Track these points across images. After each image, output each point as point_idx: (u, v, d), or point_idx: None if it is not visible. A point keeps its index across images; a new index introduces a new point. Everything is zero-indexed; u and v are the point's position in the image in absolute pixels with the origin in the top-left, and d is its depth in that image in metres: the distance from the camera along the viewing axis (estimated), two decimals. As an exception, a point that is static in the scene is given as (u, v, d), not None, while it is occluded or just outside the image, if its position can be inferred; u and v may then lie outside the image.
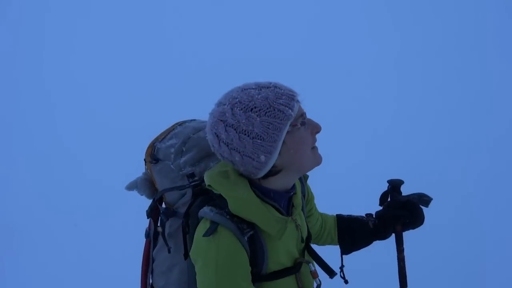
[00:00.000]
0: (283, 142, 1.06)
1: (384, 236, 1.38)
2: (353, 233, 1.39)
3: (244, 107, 1.05)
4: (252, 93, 1.06)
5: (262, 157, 1.05)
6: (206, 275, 1.06)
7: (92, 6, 6.03)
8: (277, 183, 1.12)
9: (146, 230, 1.41)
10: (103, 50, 5.67)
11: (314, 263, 1.25)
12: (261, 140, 1.04)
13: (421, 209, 1.33)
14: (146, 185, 1.36)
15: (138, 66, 5.50)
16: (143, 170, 1.40)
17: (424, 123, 4.55)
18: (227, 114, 1.06)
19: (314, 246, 1.30)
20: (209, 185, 1.12)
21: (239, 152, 1.06)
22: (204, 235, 1.05)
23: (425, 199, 1.31)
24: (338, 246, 1.47)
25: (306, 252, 1.25)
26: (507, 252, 3.14)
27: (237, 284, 1.05)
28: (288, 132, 1.06)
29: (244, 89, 1.08)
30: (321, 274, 1.25)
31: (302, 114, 1.09)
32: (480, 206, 3.63)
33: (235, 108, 1.05)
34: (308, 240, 1.26)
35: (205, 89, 4.81)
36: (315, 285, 1.23)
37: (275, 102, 1.04)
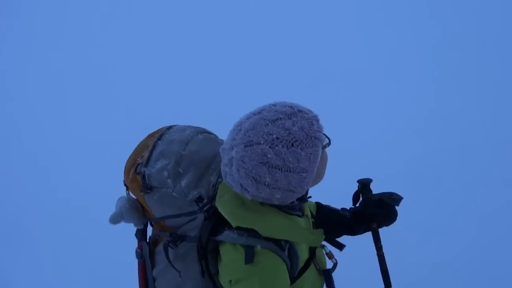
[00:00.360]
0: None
1: (355, 232, 1.41)
2: (328, 223, 1.37)
3: (286, 144, 1.00)
4: (286, 125, 1.01)
5: (305, 187, 1.06)
6: None
7: (96, 7, 6.06)
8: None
9: (136, 251, 1.36)
10: (98, 49, 5.69)
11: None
12: (306, 173, 1.03)
13: (394, 207, 1.36)
14: (133, 213, 1.25)
15: (134, 66, 5.52)
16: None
17: (424, 123, 4.56)
18: (269, 155, 0.99)
19: None
20: (238, 227, 1.08)
21: (281, 190, 1.03)
22: (246, 263, 1.03)
23: (395, 198, 1.34)
24: None
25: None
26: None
27: None
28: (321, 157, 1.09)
29: (274, 121, 1.02)
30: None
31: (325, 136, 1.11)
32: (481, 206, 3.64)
33: (276, 146, 0.99)
34: (316, 227, 1.31)
35: (197, 89, 4.86)
36: (331, 264, 1.28)
37: (310, 130, 1.03)
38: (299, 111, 1.05)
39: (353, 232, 1.41)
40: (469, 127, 4.43)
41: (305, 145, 1.01)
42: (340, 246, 1.34)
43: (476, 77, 4.96)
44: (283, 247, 1.09)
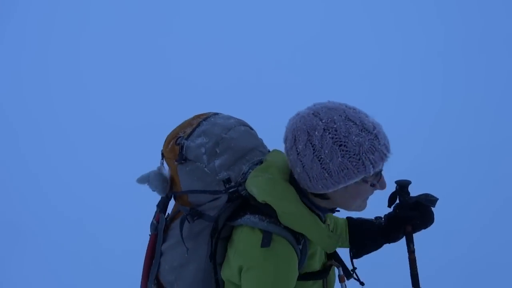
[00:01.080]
0: (346, 186, 1.05)
1: (395, 238, 1.37)
2: (363, 236, 1.38)
3: (336, 139, 1.01)
4: (352, 130, 1.01)
5: (320, 187, 1.06)
6: (261, 283, 1.06)
7: (96, 8, 6.04)
8: (322, 203, 1.14)
9: (152, 223, 1.38)
10: (106, 51, 5.67)
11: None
12: (329, 175, 1.03)
13: (431, 209, 1.32)
14: (159, 180, 1.29)
15: (140, 67, 5.50)
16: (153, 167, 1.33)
17: (426, 123, 4.54)
18: (316, 133, 1.03)
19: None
20: (263, 200, 1.09)
21: (304, 167, 1.05)
22: (262, 246, 1.04)
23: (431, 199, 1.30)
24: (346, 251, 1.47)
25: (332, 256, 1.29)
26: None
27: None
28: (356, 182, 1.05)
29: (348, 119, 1.03)
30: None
31: (378, 173, 1.07)
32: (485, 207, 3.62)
33: (327, 134, 1.02)
34: None
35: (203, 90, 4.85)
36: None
37: (366, 154, 1.00)
38: (376, 136, 1.03)
39: (391, 239, 1.37)
40: (475, 127, 4.43)
41: (348, 156, 1.01)
42: (348, 275, 1.28)
43: (482, 77, 4.94)
44: (299, 241, 1.10)
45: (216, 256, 1.16)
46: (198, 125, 1.26)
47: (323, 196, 1.10)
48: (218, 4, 5.97)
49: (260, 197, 1.09)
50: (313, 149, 1.03)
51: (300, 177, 1.08)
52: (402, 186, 1.34)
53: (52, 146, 4.82)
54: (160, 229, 1.35)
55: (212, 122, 1.27)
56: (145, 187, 1.33)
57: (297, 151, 1.05)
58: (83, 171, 4.47)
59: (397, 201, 1.36)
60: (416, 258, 1.37)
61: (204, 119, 1.28)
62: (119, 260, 3.27)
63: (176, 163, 1.24)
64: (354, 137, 1.01)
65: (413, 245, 1.36)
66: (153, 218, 1.39)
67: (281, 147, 1.17)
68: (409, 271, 1.38)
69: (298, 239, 1.09)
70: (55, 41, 5.84)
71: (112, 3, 6.10)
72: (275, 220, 1.08)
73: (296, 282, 1.13)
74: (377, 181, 1.08)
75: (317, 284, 1.21)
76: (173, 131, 1.30)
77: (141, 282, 1.41)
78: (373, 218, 1.43)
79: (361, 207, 1.14)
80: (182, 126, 1.30)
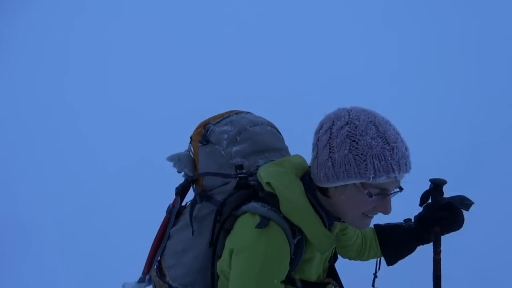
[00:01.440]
0: (345, 185, 1.05)
1: (427, 240, 1.35)
2: (395, 241, 1.37)
3: (351, 134, 1.02)
4: (370, 132, 1.01)
5: (321, 175, 1.06)
6: (249, 266, 1.05)
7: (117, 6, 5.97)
8: (330, 206, 1.12)
9: (169, 206, 1.42)
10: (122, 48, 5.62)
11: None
12: (331, 164, 1.04)
13: (462, 212, 1.29)
14: (188, 160, 1.34)
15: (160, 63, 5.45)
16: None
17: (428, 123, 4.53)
18: (338, 123, 1.05)
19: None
20: (266, 182, 1.11)
21: (317, 152, 1.08)
22: (257, 227, 1.04)
23: (466, 203, 1.27)
24: (365, 262, 1.48)
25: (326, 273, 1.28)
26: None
27: (274, 283, 1.05)
28: (355, 185, 1.04)
29: (372, 123, 1.03)
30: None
31: (384, 189, 1.04)
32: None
33: (347, 126, 1.03)
34: (332, 261, 1.28)
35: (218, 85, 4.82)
36: None
37: (372, 158, 1.00)
38: (392, 149, 1.01)
39: (423, 240, 1.35)
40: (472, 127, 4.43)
41: (355, 154, 1.01)
42: None
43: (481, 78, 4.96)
44: (295, 234, 1.09)
45: (217, 248, 1.16)
46: (229, 116, 1.33)
47: (326, 193, 1.10)
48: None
49: (265, 179, 1.11)
50: (330, 136, 1.05)
51: (313, 164, 1.10)
52: (437, 185, 1.31)
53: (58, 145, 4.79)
54: (174, 212, 1.38)
55: (242, 116, 1.33)
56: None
57: (318, 135, 1.09)
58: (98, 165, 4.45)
59: (429, 200, 1.33)
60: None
61: (236, 113, 1.35)
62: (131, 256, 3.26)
63: (199, 144, 1.29)
64: (368, 138, 1.01)
65: (440, 246, 1.32)
66: (171, 202, 1.43)
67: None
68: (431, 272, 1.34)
69: (294, 232, 1.08)
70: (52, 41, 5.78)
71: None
72: (276, 209, 1.09)
73: (287, 287, 1.12)
74: (380, 199, 1.05)
75: None
76: (205, 120, 1.36)
77: (146, 262, 1.43)
78: (402, 221, 1.41)
79: (360, 223, 1.11)
80: (215, 117, 1.35)
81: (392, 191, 1.06)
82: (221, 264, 1.15)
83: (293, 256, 1.09)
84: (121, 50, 5.51)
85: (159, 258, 1.38)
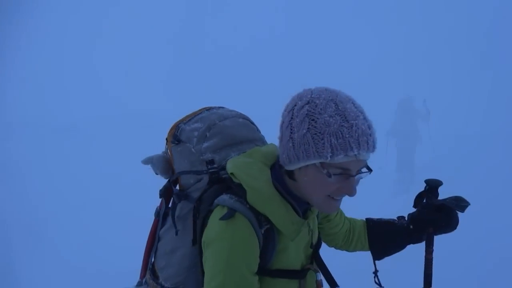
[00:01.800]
0: (307, 166, 1.03)
1: (418, 240, 1.33)
2: (384, 237, 1.35)
3: (310, 112, 1.01)
4: (329, 110, 0.99)
5: (284, 156, 1.06)
6: (217, 261, 1.04)
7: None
8: (297, 191, 1.10)
9: (156, 209, 1.41)
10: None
11: (321, 273, 1.23)
12: (292, 145, 1.03)
13: (456, 214, 1.26)
14: (162, 162, 1.35)
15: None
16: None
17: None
18: (300, 103, 1.04)
19: (322, 255, 1.28)
20: (231, 173, 1.11)
21: (282, 135, 1.08)
22: (221, 219, 1.04)
23: (461, 204, 1.24)
24: (357, 252, 1.45)
25: (314, 260, 1.25)
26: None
27: (243, 274, 1.04)
28: (315, 165, 1.02)
29: (332, 101, 1.01)
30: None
31: (346, 169, 1.01)
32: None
33: (307, 105, 1.02)
34: (316, 247, 1.26)
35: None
36: None
37: (329, 136, 0.97)
38: (351, 126, 0.98)
39: (414, 240, 1.33)
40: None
41: (313, 133, 0.99)
42: (334, 285, 1.23)
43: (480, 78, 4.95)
44: (261, 224, 1.07)
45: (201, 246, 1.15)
46: (200, 113, 1.32)
47: (292, 176, 1.09)
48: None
49: (230, 170, 1.11)
50: (291, 117, 1.03)
51: (279, 147, 1.10)
52: (432, 186, 1.28)
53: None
54: (160, 214, 1.37)
55: (213, 112, 1.32)
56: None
57: (282, 117, 1.08)
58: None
59: (424, 201, 1.31)
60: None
61: (207, 109, 1.34)
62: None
63: (172, 144, 1.29)
64: (327, 116, 0.98)
65: (432, 246, 1.31)
66: (159, 205, 1.42)
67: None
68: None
69: (260, 222, 1.07)
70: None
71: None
72: (243, 200, 1.07)
73: (265, 279, 1.11)
74: (343, 180, 1.02)
75: (291, 284, 1.17)
76: (180, 119, 1.35)
77: (142, 265, 1.43)
78: (395, 218, 1.39)
79: (325, 206, 1.08)
80: (188, 115, 1.34)
81: (359, 172, 1.03)
82: (203, 260, 1.15)
83: (263, 247, 1.08)
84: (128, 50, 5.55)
85: (152, 261, 1.38)
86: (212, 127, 1.26)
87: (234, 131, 1.27)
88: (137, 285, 1.45)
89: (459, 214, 1.27)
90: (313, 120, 0.99)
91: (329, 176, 1.01)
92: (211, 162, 1.22)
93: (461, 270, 3.00)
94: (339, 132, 0.97)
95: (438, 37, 5.00)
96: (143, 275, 1.44)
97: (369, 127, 1.01)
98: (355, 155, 0.98)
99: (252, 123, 1.36)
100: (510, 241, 3.13)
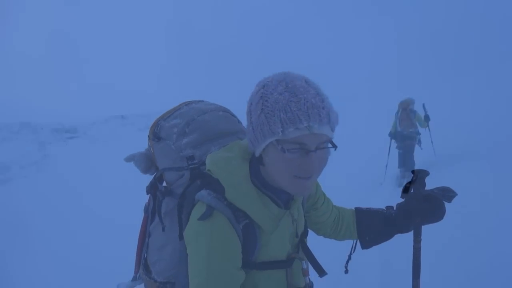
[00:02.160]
0: (267, 147, 1.04)
1: (406, 229, 1.34)
2: (373, 226, 1.36)
3: (263, 94, 1.02)
4: (279, 89, 1.00)
5: (249, 142, 1.08)
6: (197, 258, 1.05)
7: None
8: (270, 178, 1.10)
9: (145, 205, 1.43)
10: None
11: (307, 261, 1.24)
12: (252, 129, 1.05)
13: (443, 204, 1.28)
14: (143, 160, 1.36)
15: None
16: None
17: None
18: (257, 88, 1.06)
19: (309, 244, 1.29)
20: (208, 170, 1.11)
21: (246, 121, 1.09)
22: (199, 219, 1.05)
23: (448, 195, 1.26)
24: (344, 242, 1.47)
25: (300, 249, 1.25)
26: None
27: (227, 270, 1.05)
28: (272, 144, 1.02)
29: (284, 81, 1.02)
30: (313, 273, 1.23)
31: (302, 144, 1.00)
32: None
33: (262, 89, 1.04)
34: (302, 236, 1.26)
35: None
36: (304, 283, 1.22)
37: (279, 112, 0.98)
38: (299, 100, 0.98)
39: (402, 229, 1.34)
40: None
41: (266, 113, 1.00)
42: (321, 272, 1.23)
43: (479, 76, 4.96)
44: (239, 220, 1.08)
45: None
46: (179, 108, 1.32)
47: (261, 161, 1.09)
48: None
49: (207, 167, 1.12)
50: (250, 103, 1.06)
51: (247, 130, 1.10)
52: (420, 176, 1.29)
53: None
54: (149, 210, 1.39)
55: (192, 107, 1.32)
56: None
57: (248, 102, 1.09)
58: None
59: (411, 191, 1.32)
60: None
61: (186, 104, 1.34)
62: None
63: (152, 141, 1.31)
64: (276, 94, 1.00)
65: (420, 235, 1.32)
66: (147, 201, 1.44)
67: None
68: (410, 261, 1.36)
69: (238, 217, 1.07)
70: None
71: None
72: (221, 196, 1.08)
73: (252, 271, 1.12)
74: (302, 156, 1.01)
75: (278, 274, 1.17)
76: (162, 115, 1.34)
77: (135, 261, 1.45)
78: (384, 207, 1.40)
79: (294, 187, 1.06)
80: (169, 111, 1.34)
81: (320, 148, 1.02)
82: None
83: (244, 242, 1.08)
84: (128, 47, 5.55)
85: (145, 256, 1.40)
86: (191, 123, 1.26)
87: (214, 125, 1.28)
88: (132, 280, 1.48)
89: (446, 204, 1.28)
90: (266, 100, 1.01)
91: (284, 151, 1.00)
92: (191, 158, 1.23)
93: (461, 270, 3.00)
94: (288, 107, 0.98)
95: (439, 37, 5.01)
96: (137, 270, 1.46)
97: (322, 100, 1.00)
98: (306, 127, 0.97)
99: (233, 115, 1.36)
100: (510, 241, 3.14)
